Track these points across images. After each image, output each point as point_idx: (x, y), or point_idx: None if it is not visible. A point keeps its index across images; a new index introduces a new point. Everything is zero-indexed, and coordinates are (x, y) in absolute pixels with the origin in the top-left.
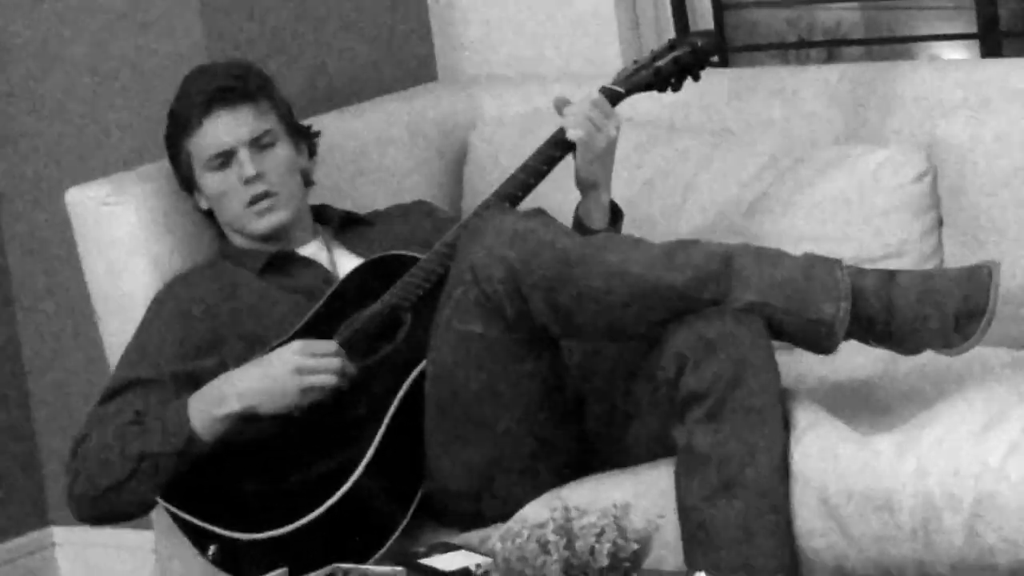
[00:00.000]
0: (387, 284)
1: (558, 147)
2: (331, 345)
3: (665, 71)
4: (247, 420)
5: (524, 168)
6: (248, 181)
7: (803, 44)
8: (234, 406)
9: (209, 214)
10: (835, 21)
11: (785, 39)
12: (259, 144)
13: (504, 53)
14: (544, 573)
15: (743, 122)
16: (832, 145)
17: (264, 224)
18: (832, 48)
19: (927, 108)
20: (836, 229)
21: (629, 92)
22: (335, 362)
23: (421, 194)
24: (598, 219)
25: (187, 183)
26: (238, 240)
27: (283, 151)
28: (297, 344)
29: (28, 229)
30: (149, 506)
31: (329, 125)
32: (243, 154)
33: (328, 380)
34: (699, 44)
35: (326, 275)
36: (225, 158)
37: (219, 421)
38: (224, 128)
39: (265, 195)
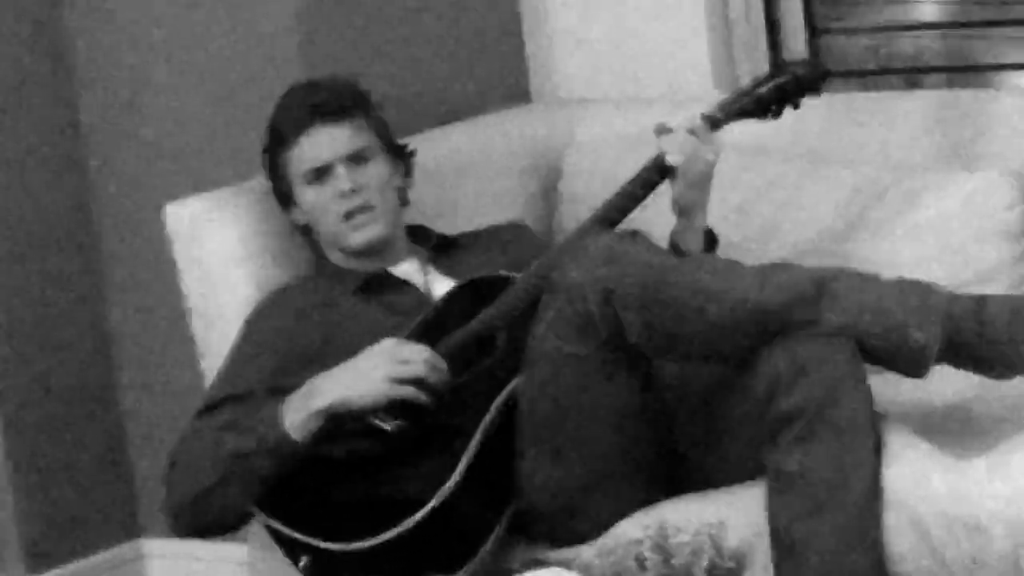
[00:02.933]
0: (482, 305)
1: (657, 172)
2: (422, 346)
3: (766, 99)
4: (343, 431)
5: (621, 192)
6: (344, 195)
7: (897, 71)
8: (325, 399)
9: (306, 231)
10: (915, 49)
11: (865, 67)
12: (356, 159)
13: (598, 76)
14: None
15: (836, 147)
16: (925, 171)
17: (360, 237)
18: (913, 77)
19: (1020, 136)
20: (928, 254)
21: (729, 119)
22: (425, 353)
23: (515, 215)
24: (693, 244)
25: (284, 198)
26: (335, 257)
27: (380, 167)
28: (388, 340)
29: (126, 244)
30: (244, 515)
31: (424, 145)
32: (340, 169)
33: (418, 369)
34: (801, 73)
35: (421, 297)
36: (322, 173)
37: (312, 417)
38: (322, 143)
39: (361, 209)
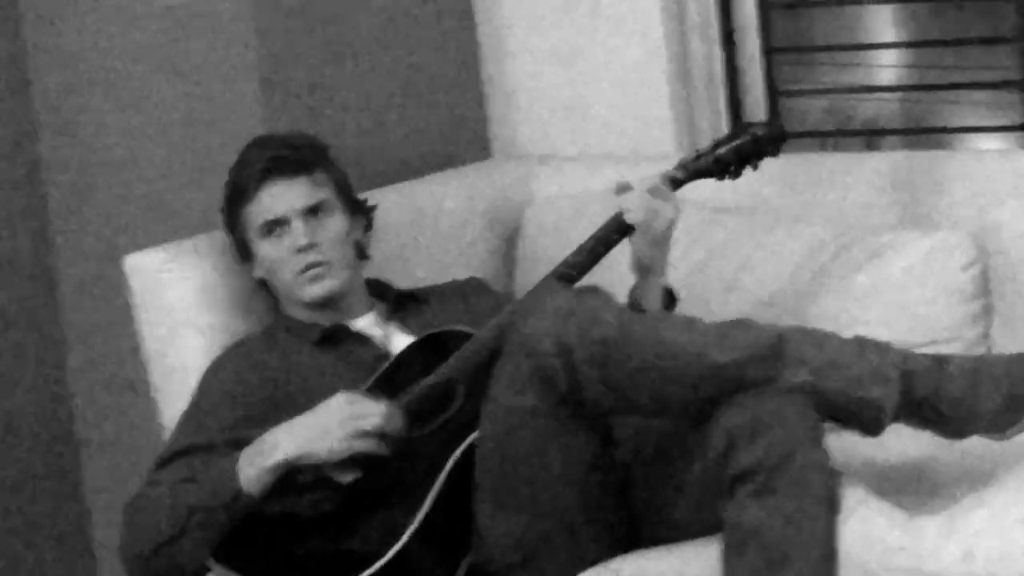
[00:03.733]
0: (440, 360)
1: (616, 230)
2: (378, 402)
3: (725, 160)
4: (302, 484)
5: (581, 249)
6: (301, 249)
7: (855, 132)
8: (281, 454)
9: (264, 284)
10: (874, 113)
11: (824, 129)
12: (313, 213)
13: (558, 133)
14: None
15: (794, 207)
16: (883, 231)
17: (315, 291)
18: (872, 140)
19: (977, 196)
20: (886, 313)
21: (689, 179)
22: (382, 407)
23: (474, 271)
24: (653, 302)
25: (243, 252)
26: (294, 311)
27: (337, 222)
28: (344, 394)
29: (86, 295)
30: (201, 568)
31: (385, 199)
32: (296, 223)
33: (375, 423)
34: (760, 134)
35: (379, 351)
36: (279, 226)
37: (267, 472)
38: (279, 197)
39: (317, 263)
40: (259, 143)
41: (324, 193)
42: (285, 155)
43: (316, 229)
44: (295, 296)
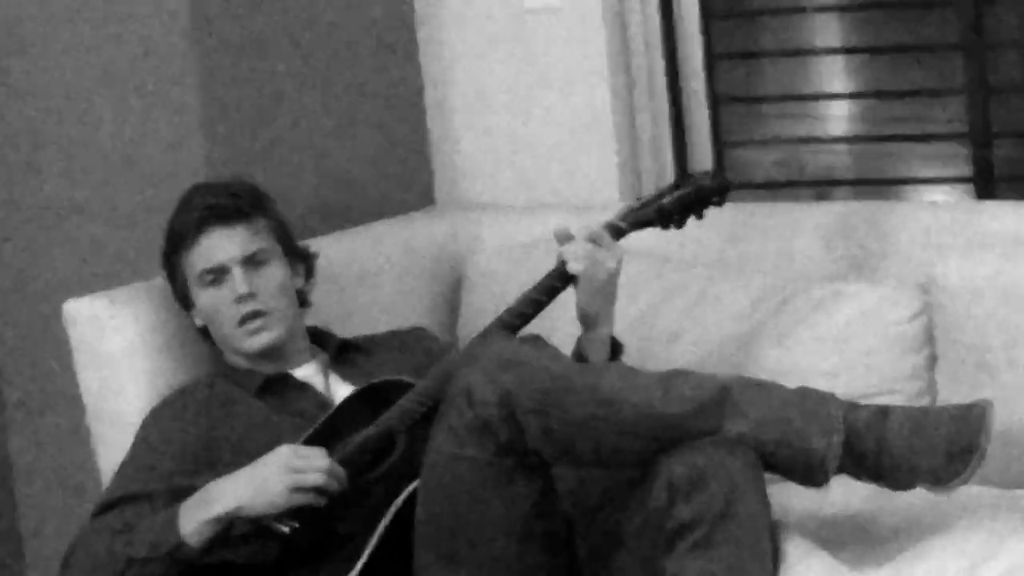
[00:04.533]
0: (382, 409)
1: (559, 279)
2: (320, 451)
3: (668, 210)
4: (240, 534)
5: (524, 298)
6: (240, 299)
7: (803, 183)
8: (222, 506)
9: (205, 332)
10: (826, 166)
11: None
12: (253, 262)
13: (502, 181)
14: None
15: (739, 257)
16: (828, 282)
17: (255, 343)
18: (823, 191)
19: (923, 248)
20: (830, 364)
21: (632, 228)
22: (324, 462)
23: (417, 319)
24: (598, 353)
25: (183, 300)
26: (234, 359)
27: (277, 270)
28: (286, 447)
29: (24, 341)
30: None
31: (327, 247)
32: (236, 272)
33: (316, 479)
34: (705, 184)
35: (321, 400)
36: (218, 275)
37: (208, 524)
38: (218, 245)
39: (256, 315)
40: (199, 190)
41: (264, 242)
42: (224, 203)
43: (255, 278)
44: (235, 347)
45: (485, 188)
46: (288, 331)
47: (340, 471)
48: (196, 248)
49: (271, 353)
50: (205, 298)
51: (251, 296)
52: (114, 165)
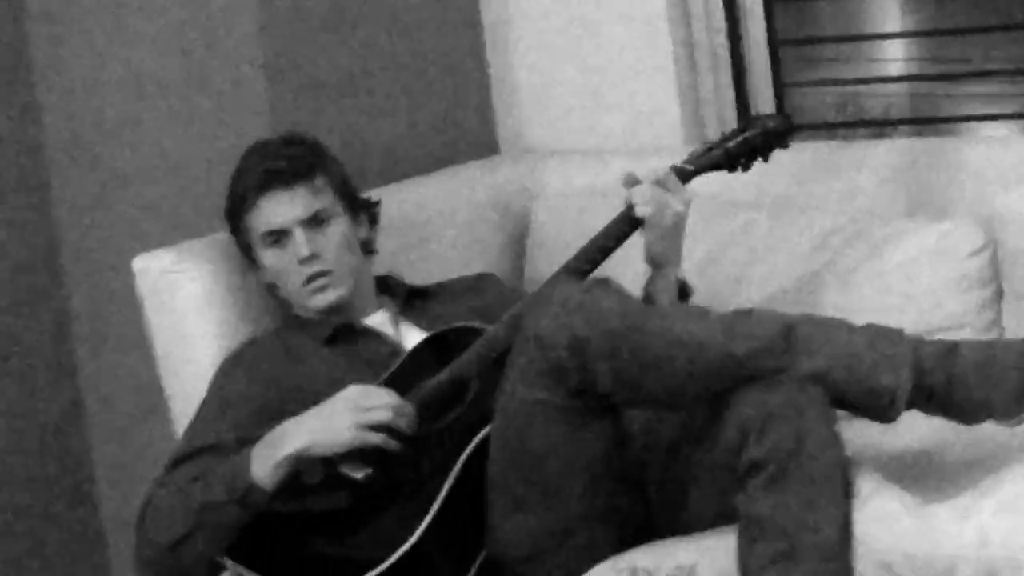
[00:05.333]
0: (453, 356)
1: (627, 223)
2: (388, 390)
3: (735, 153)
4: (314, 482)
5: (592, 243)
6: (303, 260)
7: (864, 123)
8: (292, 446)
9: (272, 288)
10: (882, 106)
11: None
12: (315, 222)
13: (565, 128)
14: None
15: (804, 196)
16: (892, 219)
17: (321, 301)
18: (882, 131)
19: (986, 182)
20: (897, 301)
21: (699, 171)
22: (391, 399)
23: (485, 267)
24: (667, 295)
25: (250, 258)
26: (303, 311)
27: (339, 227)
28: (354, 387)
29: (95, 296)
30: (214, 565)
31: (393, 197)
32: (298, 234)
33: (384, 415)
34: (770, 126)
35: (392, 347)
36: (281, 236)
37: (279, 464)
38: (278, 208)
39: (320, 274)
40: (257, 151)
41: (324, 200)
42: (282, 166)
43: (318, 238)
44: (303, 304)
45: (548, 135)
46: (353, 288)
47: (409, 409)
48: (256, 211)
49: (338, 309)
50: (270, 259)
51: (314, 257)
52: (179, 120)
